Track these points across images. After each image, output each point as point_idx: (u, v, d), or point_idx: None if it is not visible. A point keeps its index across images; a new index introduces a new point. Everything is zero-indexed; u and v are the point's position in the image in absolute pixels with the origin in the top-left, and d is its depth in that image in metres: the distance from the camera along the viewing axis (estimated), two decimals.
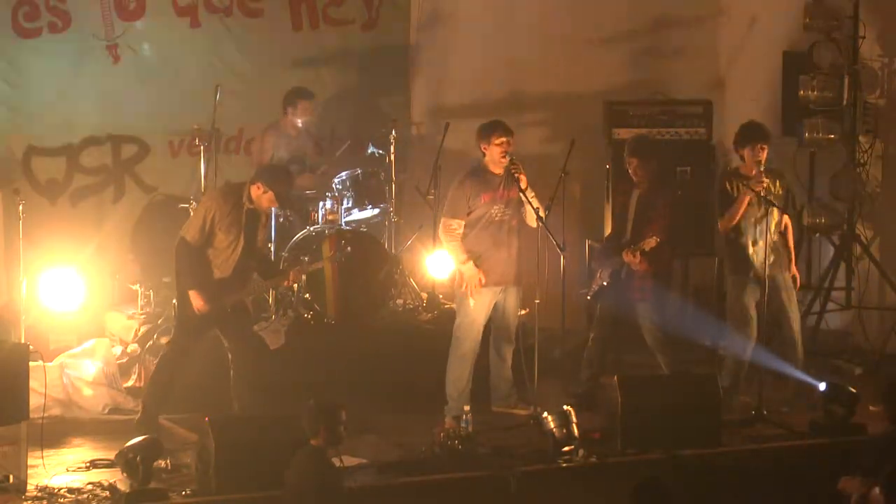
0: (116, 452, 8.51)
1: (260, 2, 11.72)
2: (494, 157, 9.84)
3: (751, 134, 10.07)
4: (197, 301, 9.30)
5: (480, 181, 9.85)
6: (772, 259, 9.90)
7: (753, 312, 10.01)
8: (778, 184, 10.13)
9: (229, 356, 9.48)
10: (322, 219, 10.88)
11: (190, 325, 9.45)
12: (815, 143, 11.65)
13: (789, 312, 10.12)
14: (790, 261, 10.18)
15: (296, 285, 10.46)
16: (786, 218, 10.15)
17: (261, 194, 9.35)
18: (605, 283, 10.07)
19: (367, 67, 12.01)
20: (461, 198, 9.84)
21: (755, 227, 9.98)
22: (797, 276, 10.23)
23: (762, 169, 9.89)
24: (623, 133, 11.64)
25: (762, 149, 9.99)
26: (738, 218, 9.96)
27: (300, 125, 11.28)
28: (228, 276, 9.39)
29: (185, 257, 9.38)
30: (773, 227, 9.98)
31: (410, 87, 12.23)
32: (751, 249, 9.99)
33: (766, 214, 9.96)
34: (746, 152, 10.03)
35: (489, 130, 9.87)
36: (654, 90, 12.09)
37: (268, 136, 11.27)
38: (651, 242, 9.76)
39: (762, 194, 9.86)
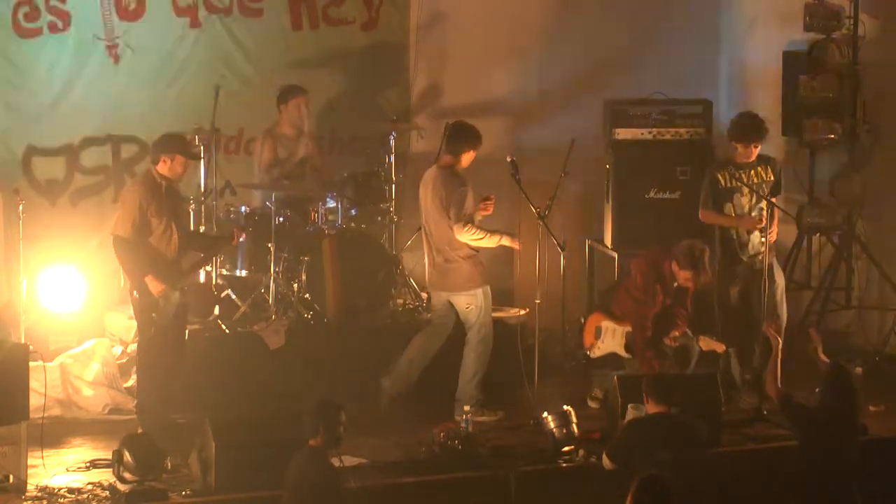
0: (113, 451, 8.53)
1: (260, 2, 11.70)
2: (469, 160, 9.88)
3: (745, 132, 10.28)
4: (155, 285, 9.18)
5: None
6: (763, 249, 10.07)
7: (736, 302, 10.25)
8: (770, 170, 10.31)
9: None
10: (322, 219, 10.88)
11: (157, 323, 9.32)
12: (815, 143, 11.66)
13: (777, 303, 10.27)
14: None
15: (295, 285, 10.48)
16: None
17: (171, 164, 9.29)
18: None
19: (367, 67, 12.00)
20: (466, 205, 9.85)
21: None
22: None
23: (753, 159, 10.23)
24: (623, 133, 11.63)
25: (755, 147, 10.23)
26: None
27: (299, 122, 11.24)
28: (178, 261, 9.39)
29: (126, 252, 9.29)
30: (761, 215, 10.13)
31: (410, 88, 12.23)
32: (743, 238, 10.22)
33: (756, 203, 10.16)
34: (740, 147, 10.26)
35: (477, 137, 9.90)
36: (654, 90, 12.08)
37: (264, 147, 11.15)
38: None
39: (753, 183, 10.16)
